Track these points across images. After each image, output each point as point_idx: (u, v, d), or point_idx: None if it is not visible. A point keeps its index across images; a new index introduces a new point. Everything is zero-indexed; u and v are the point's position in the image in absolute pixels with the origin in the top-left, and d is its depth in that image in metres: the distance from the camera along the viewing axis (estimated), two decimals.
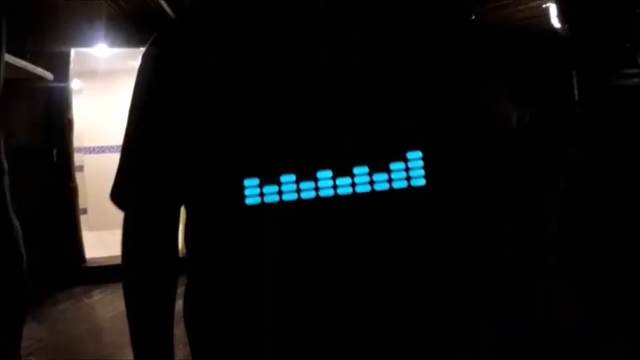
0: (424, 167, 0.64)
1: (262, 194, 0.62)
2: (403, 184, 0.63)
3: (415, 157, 0.64)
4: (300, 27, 0.64)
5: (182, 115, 0.64)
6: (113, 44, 4.15)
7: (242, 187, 0.62)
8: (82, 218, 4.47)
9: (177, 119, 0.64)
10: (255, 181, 0.61)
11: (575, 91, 3.53)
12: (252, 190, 0.62)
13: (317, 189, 0.62)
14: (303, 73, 0.63)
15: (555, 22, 3.88)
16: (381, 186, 0.63)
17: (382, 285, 0.64)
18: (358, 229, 0.63)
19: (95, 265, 4.14)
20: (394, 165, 0.63)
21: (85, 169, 5.44)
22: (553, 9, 3.92)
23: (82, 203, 4.48)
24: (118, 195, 0.72)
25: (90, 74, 5.10)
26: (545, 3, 4.19)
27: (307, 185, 0.62)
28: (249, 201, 0.62)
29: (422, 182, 0.64)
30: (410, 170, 0.63)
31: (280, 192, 0.62)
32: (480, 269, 0.72)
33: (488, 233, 0.73)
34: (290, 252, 0.63)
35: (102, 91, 5.48)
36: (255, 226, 0.63)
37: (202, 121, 0.63)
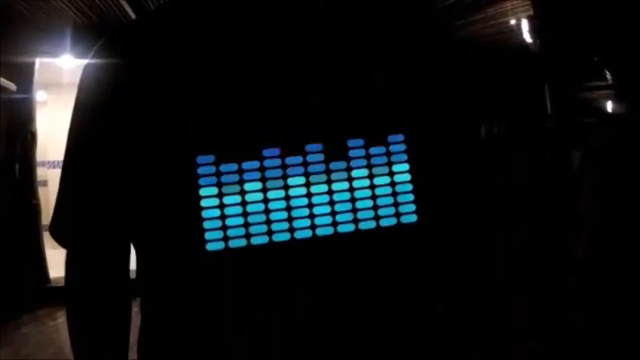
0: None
1: (226, 238, 0.52)
2: (392, 222, 0.55)
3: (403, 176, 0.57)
4: (274, 33, 0.57)
5: (131, 136, 0.55)
6: (80, 55, 4.01)
7: (203, 230, 0.52)
8: (46, 235, 4.27)
9: (126, 140, 0.55)
10: (218, 223, 0.52)
11: (548, 105, 3.63)
12: (214, 234, 0.52)
13: (292, 229, 0.53)
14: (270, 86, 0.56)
15: (527, 38, 4.00)
16: (367, 225, 0.55)
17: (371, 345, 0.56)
18: (343, 277, 0.54)
19: (60, 285, 3.94)
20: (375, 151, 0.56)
21: (50, 184, 5.22)
22: (525, 25, 4.04)
23: (46, 219, 4.28)
24: (59, 231, 0.62)
25: (55, 86, 4.92)
26: (513, 20, 4.32)
27: (280, 226, 0.53)
28: (211, 247, 0.52)
29: (413, 218, 0.56)
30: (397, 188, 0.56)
31: (248, 235, 0.52)
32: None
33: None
34: (262, 307, 0.53)
35: (67, 103, 5.23)
36: (218, 276, 0.54)
37: (155, 143, 0.54)
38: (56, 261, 4.13)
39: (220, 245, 0.53)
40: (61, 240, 0.62)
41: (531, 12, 4.09)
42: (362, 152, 0.56)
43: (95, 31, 3.91)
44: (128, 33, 0.62)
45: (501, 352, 0.66)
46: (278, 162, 0.54)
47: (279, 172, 0.54)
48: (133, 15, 3.67)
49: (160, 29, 0.59)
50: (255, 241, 0.53)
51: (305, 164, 0.55)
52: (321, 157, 0.55)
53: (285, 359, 0.54)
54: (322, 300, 0.54)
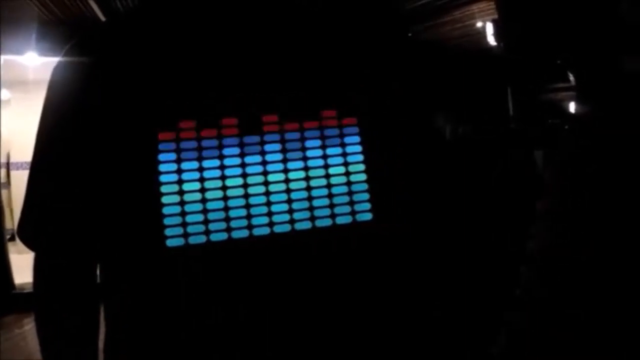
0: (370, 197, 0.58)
1: (185, 234, 0.53)
2: (347, 219, 0.57)
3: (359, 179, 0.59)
4: (239, 33, 0.59)
5: (100, 137, 0.55)
6: (44, 52, 3.90)
7: (163, 226, 0.53)
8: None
9: (95, 141, 0.56)
10: (178, 219, 0.53)
11: (510, 106, 3.74)
12: (174, 230, 0.53)
13: (250, 226, 0.54)
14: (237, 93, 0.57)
15: (491, 41, 4.11)
16: (324, 222, 0.57)
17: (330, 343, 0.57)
18: (300, 272, 0.56)
19: (25, 291, 3.83)
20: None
21: (13, 185, 5.06)
22: (489, 28, 4.15)
23: (9, 223, 4.15)
24: (27, 233, 0.62)
25: (19, 84, 4.77)
26: (479, 23, 4.43)
27: (239, 223, 0.54)
28: (171, 242, 0.54)
29: (368, 216, 0.58)
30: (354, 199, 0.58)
31: (207, 232, 0.53)
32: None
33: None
34: (222, 303, 0.54)
35: (32, 102, 5.10)
36: (178, 272, 0.54)
37: (122, 147, 0.55)
38: (21, 266, 4.01)
39: (180, 241, 0.54)
40: (29, 243, 0.62)
41: (496, 15, 4.20)
42: (319, 152, 0.58)
43: (61, 28, 3.82)
44: (98, 35, 0.62)
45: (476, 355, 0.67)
46: (237, 150, 0.56)
47: (238, 163, 0.56)
48: (98, 11, 3.60)
49: (131, 31, 0.60)
50: (215, 237, 0.54)
51: (263, 153, 0.57)
52: (278, 146, 0.57)
53: (244, 356, 0.55)
54: (279, 297, 0.56)
